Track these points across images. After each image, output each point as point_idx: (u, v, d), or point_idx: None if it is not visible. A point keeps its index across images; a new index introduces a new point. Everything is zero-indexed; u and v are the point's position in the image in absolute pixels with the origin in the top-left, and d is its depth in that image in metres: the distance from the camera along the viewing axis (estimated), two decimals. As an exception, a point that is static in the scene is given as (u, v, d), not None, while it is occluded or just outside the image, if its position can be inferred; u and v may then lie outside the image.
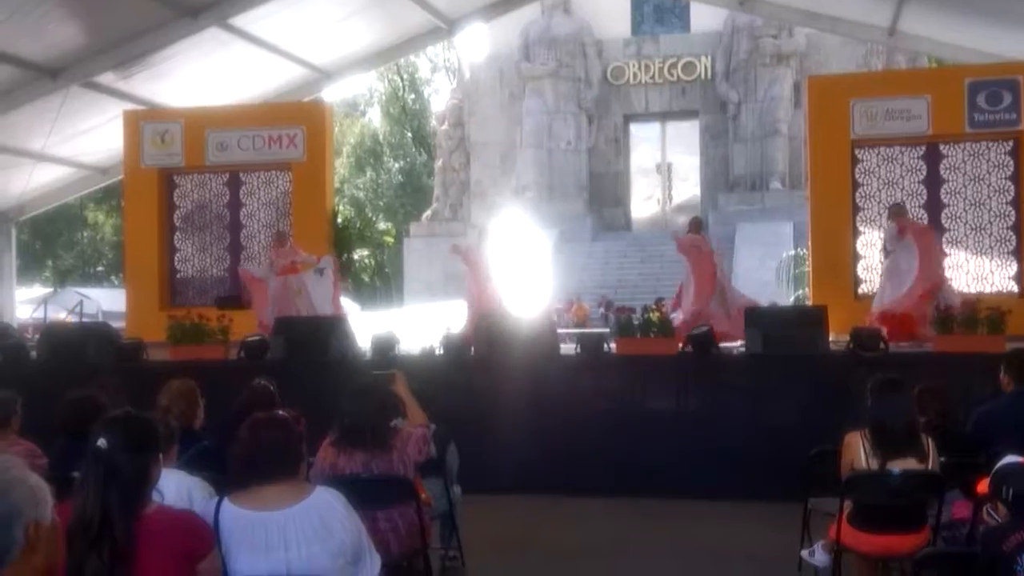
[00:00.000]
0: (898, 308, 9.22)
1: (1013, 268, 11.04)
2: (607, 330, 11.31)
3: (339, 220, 13.74)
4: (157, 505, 2.84)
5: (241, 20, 12.68)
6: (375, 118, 48.60)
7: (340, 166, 40.71)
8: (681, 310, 10.35)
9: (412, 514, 4.34)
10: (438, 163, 32.37)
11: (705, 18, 28.26)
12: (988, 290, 10.79)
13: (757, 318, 8.42)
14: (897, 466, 4.36)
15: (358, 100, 48.41)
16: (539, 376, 8.12)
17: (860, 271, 11.22)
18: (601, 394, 8.11)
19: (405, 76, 46.32)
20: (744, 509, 6.98)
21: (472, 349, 8.58)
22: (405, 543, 4.33)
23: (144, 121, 12.84)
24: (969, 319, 7.95)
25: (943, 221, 11.08)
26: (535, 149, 29.42)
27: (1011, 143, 11.00)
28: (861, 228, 11.27)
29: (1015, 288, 10.96)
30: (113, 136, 13.51)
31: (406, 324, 13.98)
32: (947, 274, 10.01)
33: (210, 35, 12.63)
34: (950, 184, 11.23)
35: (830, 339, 8.38)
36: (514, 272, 15.02)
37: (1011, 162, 11.04)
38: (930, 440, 4.48)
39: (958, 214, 11.19)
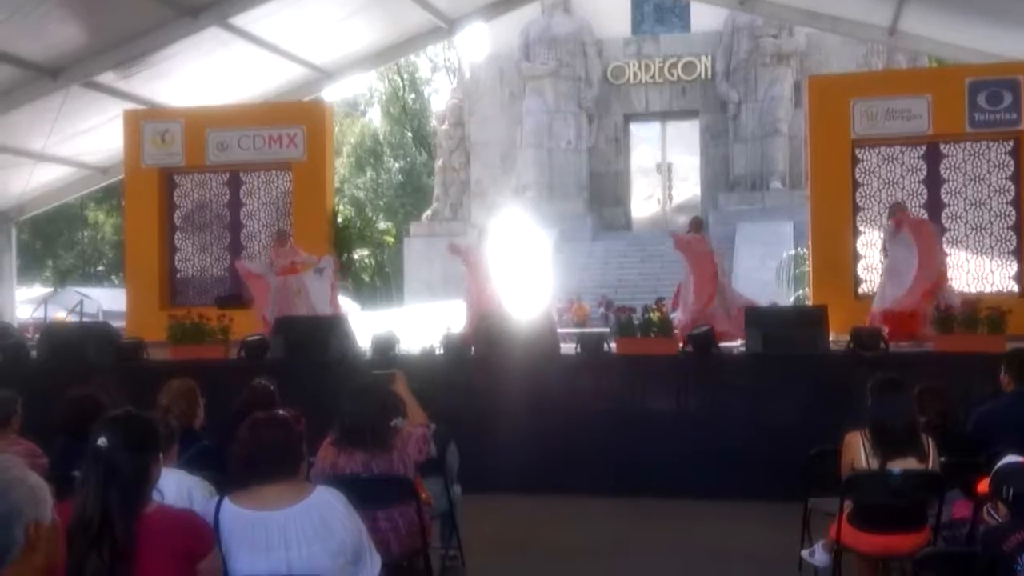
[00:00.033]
0: (900, 307, 9.19)
1: (1013, 268, 11.04)
2: (607, 330, 11.29)
3: (339, 220, 13.75)
4: (157, 504, 2.85)
5: (241, 20, 12.68)
6: (375, 118, 48.62)
7: (340, 166, 40.71)
8: (680, 310, 10.33)
9: (412, 514, 4.34)
10: (438, 163, 32.37)
11: (705, 18, 28.25)
12: (988, 290, 10.79)
13: (757, 318, 8.42)
14: (897, 466, 4.37)
15: (358, 100, 48.46)
16: (539, 376, 8.12)
17: (860, 271, 11.21)
18: (601, 394, 8.11)
19: (405, 76, 46.32)
20: (744, 509, 6.98)
21: (472, 349, 8.58)
22: (405, 543, 4.34)
23: (144, 121, 12.84)
24: (969, 319, 7.95)
25: (943, 221, 11.07)
26: (535, 149, 29.41)
27: (1011, 143, 11.00)
28: (861, 228, 11.27)
29: (1015, 288, 10.96)
30: (113, 136, 13.51)
31: (406, 324, 13.97)
32: (948, 271, 9.94)
33: (210, 35, 12.63)
34: (950, 184, 11.23)
35: (830, 339, 8.38)
36: (514, 272, 15.02)
37: (1011, 162, 11.04)
38: (930, 440, 4.48)
39: (958, 214, 11.19)
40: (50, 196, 16.29)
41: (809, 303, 11.52)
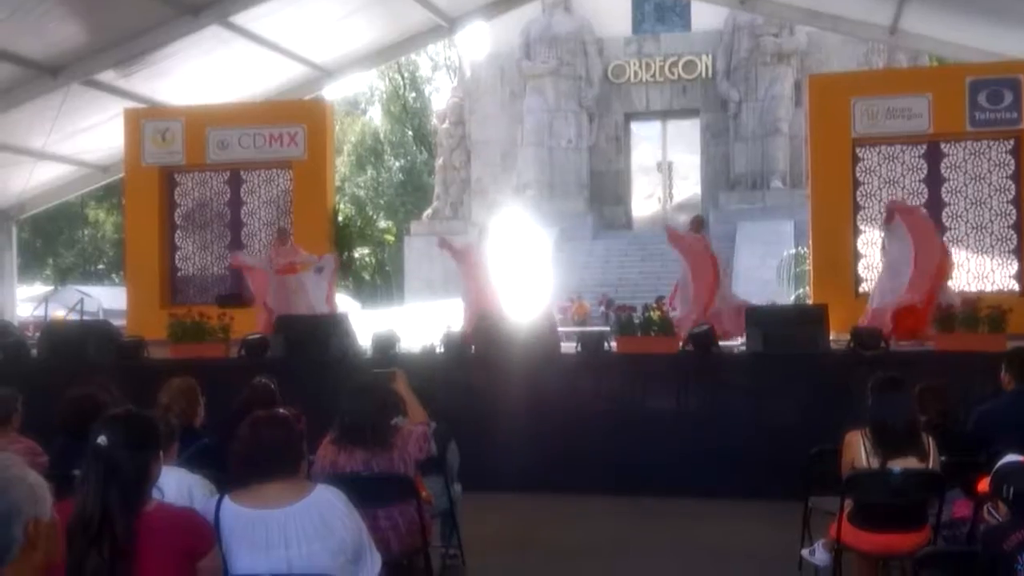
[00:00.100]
0: (902, 304, 9.06)
1: (1014, 267, 11.03)
2: (607, 328, 11.29)
3: (340, 218, 13.76)
4: (157, 503, 2.84)
5: (242, 18, 12.67)
6: (376, 116, 48.64)
7: (341, 164, 40.71)
8: (678, 308, 10.30)
9: (412, 512, 4.34)
10: (439, 161, 32.38)
11: (706, 17, 28.25)
12: (989, 289, 10.78)
13: (758, 317, 8.41)
14: (898, 465, 4.36)
15: (359, 98, 48.45)
16: (539, 375, 8.11)
17: (861, 270, 11.21)
18: (601, 393, 8.10)
19: (406, 74, 46.33)
20: (744, 508, 6.98)
21: (472, 348, 8.57)
22: (405, 541, 4.34)
23: (145, 119, 12.85)
24: (970, 318, 7.94)
25: (944, 220, 11.07)
26: (536, 147, 29.42)
27: (1012, 142, 11.00)
28: (862, 227, 11.27)
29: (1016, 287, 10.96)
30: (114, 134, 13.51)
31: (406, 322, 13.98)
32: (951, 255, 9.79)
33: (211, 33, 12.62)
34: (951, 183, 11.23)
35: (831, 338, 8.37)
36: (515, 271, 15.02)
37: (1012, 161, 11.04)
38: (931, 439, 4.48)
39: (959, 213, 11.19)
40: (50, 194, 16.29)
41: (810, 302, 11.52)
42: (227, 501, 3.09)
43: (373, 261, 38.99)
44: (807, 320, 8.39)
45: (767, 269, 22.67)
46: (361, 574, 3.16)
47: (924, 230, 9.44)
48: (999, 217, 11.12)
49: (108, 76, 12.91)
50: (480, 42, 31.08)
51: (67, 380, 5.33)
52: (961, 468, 4.66)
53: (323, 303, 10.64)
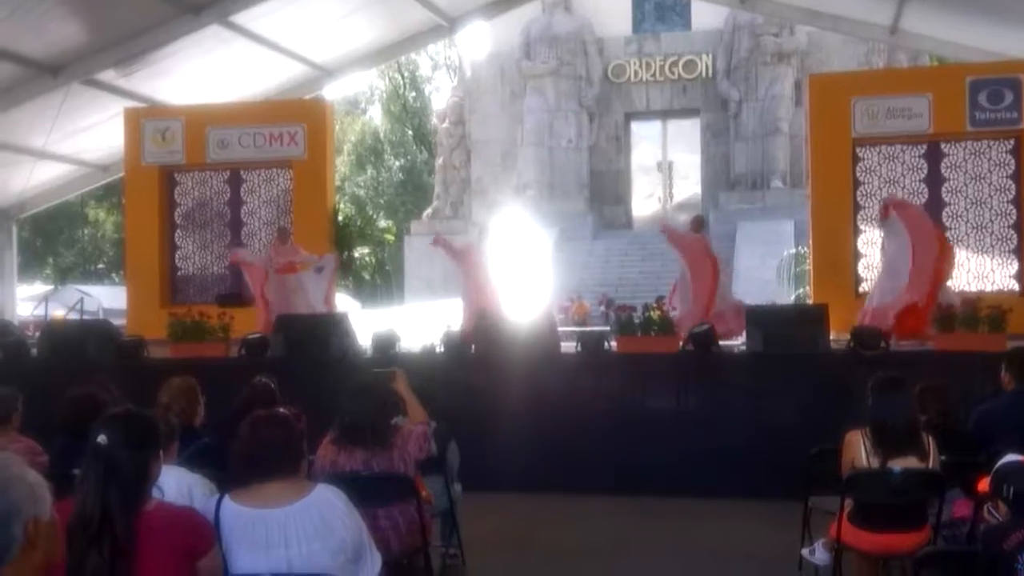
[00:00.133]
0: (907, 303, 9.02)
1: (1014, 266, 11.04)
2: (608, 328, 11.29)
3: (340, 218, 13.75)
4: (157, 502, 2.84)
5: (242, 17, 12.68)
6: (376, 116, 48.62)
7: (341, 164, 40.71)
8: (678, 308, 10.28)
9: (412, 512, 4.34)
10: (439, 161, 32.37)
11: (706, 16, 28.23)
12: (989, 288, 10.79)
13: (758, 317, 8.41)
14: (898, 464, 4.36)
15: (359, 98, 48.44)
16: (540, 374, 8.11)
17: (861, 269, 11.21)
18: (601, 393, 8.10)
19: (406, 74, 46.32)
20: (744, 508, 6.98)
21: (472, 347, 8.57)
22: (405, 541, 4.34)
23: (145, 118, 12.85)
24: (970, 317, 7.93)
25: (944, 219, 11.08)
26: (536, 147, 29.42)
27: (1012, 141, 11.00)
28: (862, 226, 11.27)
29: (1016, 286, 10.97)
30: (114, 133, 13.51)
31: (407, 322, 13.98)
32: (952, 247, 9.76)
33: (211, 32, 12.63)
34: (951, 182, 11.23)
35: (831, 338, 8.37)
36: (515, 270, 15.02)
37: (1012, 160, 11.04)
38: (931, 439, 4.48)
39: (959, 212, 11.20)
40: (51, 194, 16.29)
41: (810, 302, 11.52)
42: (227, 500, 3.09)
43: (373, 261, 39.00)
44: (807, 320, 8.39)
45: (767, 269, 22.66)
46: (361, 573, 3.16)
47: (920, 224, 9.41)
48: (999, 217, 11.12)
49: (108, 75, 12.91)
50: (480, 42, 31.09)
51: (67, 379, 5.33)
52: (961, 468, 4.66)
53: (320, 301, 10.63)
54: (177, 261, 12.99)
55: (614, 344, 8.40)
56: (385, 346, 8.56)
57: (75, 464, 2.95)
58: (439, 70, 47.69)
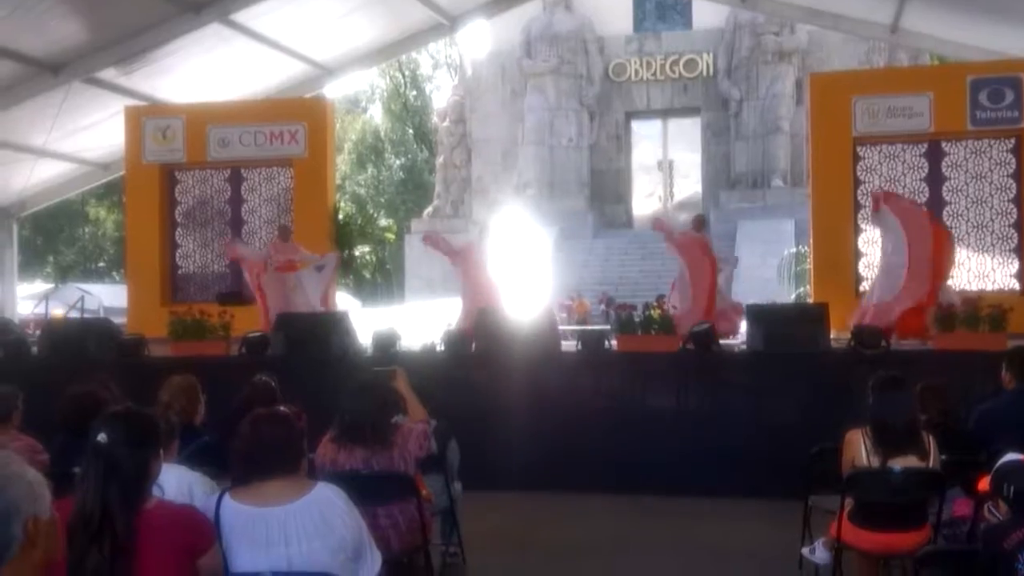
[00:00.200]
0: (910, 304, 8.98)
1: (1014, 266, 11.03)
2: (608, 327, 11.28)
3: (340, 216, 13.74)
4: (158, 500, 2.85)
5: (243, 16, 12.67)
6: (376, 114, 48.61)
7: (341, 162, 40.70)
8: (677, 305, 10.26)
9: (413, 510, 4.34)
10: (439, 160, 32.37)
11: (707, 15, 28.24)
12: (990, 288, 10.78)
13: (758, 315, 8.41)
14: (898, 464, 4.36)
15: (360, 96, 48.42)
16: (540, 373, 8.11)
17: (861, 269, 11.20)
18: (602, 391, 8.10)
19: (407, 72, 46.30)
20: (745, 507, 6.97)
21: (473, 346, 8.57)
22: (406, 539, 4.34)
23: (146, 117, 12.85)
24: (970, 317, 7.93)
25: (945, 219, 11.05)
26: (536, 146, 29.42)
27: (1013, 141, 11.00)
28: (862, 226, 11.25)
29: (1016, 286, 10.96)
30: (114, 132, 13.51)
31: (407, 320, 13.98)
32: (953, 241, 9.71)
33: (212, 31, 12.63)
34: (952, 182, 11.22)
35: (831, 336, 8.36)
36: (515, 269, 15.02)
37: (1013, 160, 11.03)
38: (931, 438, 4.48)
39: (960, 212, 11.19)
40: (51, 192, 16.30)
41: (810, 301, 11.51)
42: (227, 499, 3.09)
43: (374, 259, 39.03)
44: (808, 319, 8.38)
45: (768, 268, 22.66)
46: (361, 572, 3.16)
47: (912, 215, 9.39)
48: (1000, 216, 11.11)
49: (109, 74, 12.91)
50: (481, 40, 31.05)
51: (67, 378, 5.33)
52: (961, 467, 4.66)
53: (318, 300, 10.62)
54: (178, 259, 12.99)
55: (614, 343, 8.40)
56: (385, 345, 8.56)
57: (75, 462, 2.95)
58: (440, 69, 47.72)
